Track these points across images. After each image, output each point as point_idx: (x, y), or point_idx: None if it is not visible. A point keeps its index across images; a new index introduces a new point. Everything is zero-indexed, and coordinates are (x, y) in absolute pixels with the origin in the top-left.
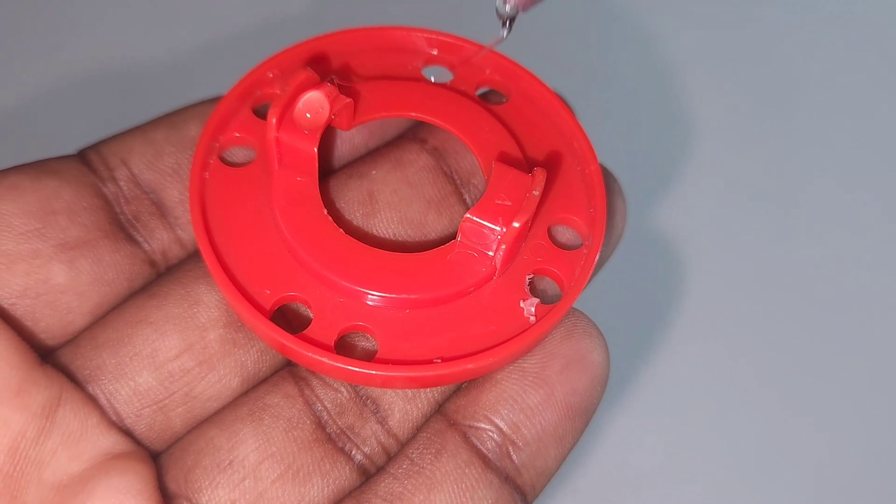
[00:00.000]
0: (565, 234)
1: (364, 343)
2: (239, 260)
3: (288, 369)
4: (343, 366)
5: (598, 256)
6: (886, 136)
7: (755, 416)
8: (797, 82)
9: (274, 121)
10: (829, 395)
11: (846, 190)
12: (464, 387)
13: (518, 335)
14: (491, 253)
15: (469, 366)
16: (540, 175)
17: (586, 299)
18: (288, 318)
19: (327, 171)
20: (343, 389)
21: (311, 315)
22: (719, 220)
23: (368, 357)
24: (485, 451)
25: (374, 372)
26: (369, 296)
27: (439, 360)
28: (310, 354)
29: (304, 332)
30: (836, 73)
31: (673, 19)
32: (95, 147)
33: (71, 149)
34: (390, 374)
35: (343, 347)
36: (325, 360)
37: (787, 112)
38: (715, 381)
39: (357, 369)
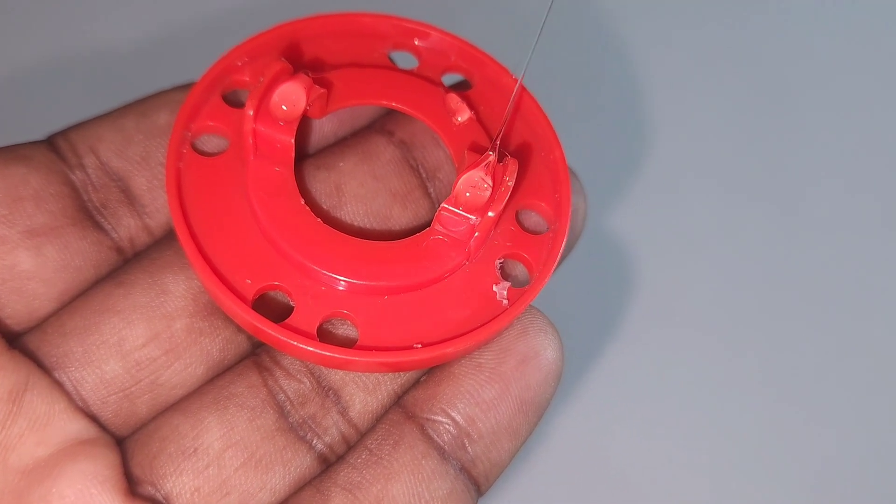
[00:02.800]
0: (532, 218)
1: (344, 330)
2: (218, 250)
3: (252, 359)
4: (328, 353)
5: (564, 240)
6: (848, 125)
7: (708, 413)
8: (764, 80)
9: (251, 112)
10: (788, 388)
11: (812, 185)
12: (422, 380)
13: (494, 319)
14: (465, 240)
15: (449, 350)
16: (512, 165)
17: (542, 297)
18: (269, 307)
19: (297, 158)
20: (305, 380)
21: (292, 303)
22: (676, 220)
23: (349, 343)
24: (441, 442)
25: (358, 358)
26: (349, 283)
27: (419, 346)
28: (294, 343)
29: (287, 320)
30: (808, 67)
31: (641, 16)
32: (64, 133)
33: (40, 134)
34: (374, 359)
35: (324, 335)
36: (309, 348)
37: (751, 112)
38: (669, 379)
39: (342, 356)
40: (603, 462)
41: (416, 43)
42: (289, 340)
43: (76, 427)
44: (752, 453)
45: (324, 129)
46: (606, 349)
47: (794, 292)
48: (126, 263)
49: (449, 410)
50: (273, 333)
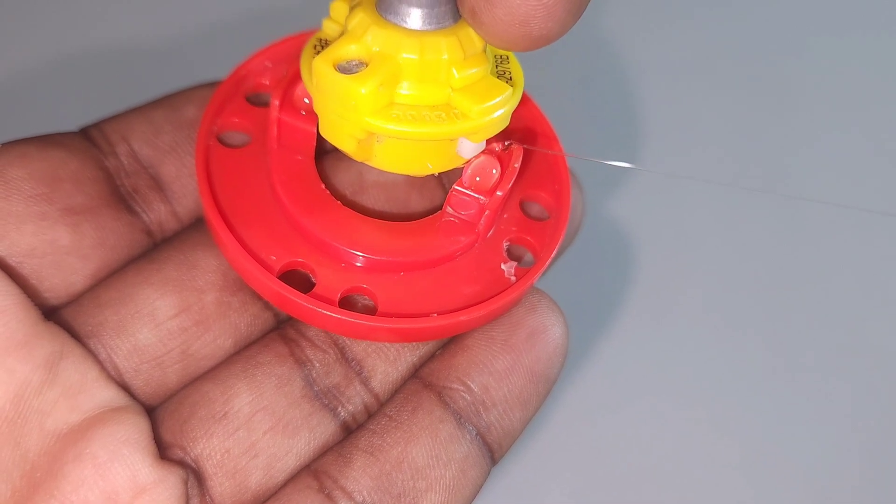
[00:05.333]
0: (534, 208)
1: (364, 304)
2: (244, 230)
3: (278, 332)
4: (350, 319)
5: (567, 222)
6: (835, 113)
7: (699, 403)
8: (767, 69)
9: (277, 102)
10: (782, 373)
11: (802, 174)
12: (437, 353)
13: (502, 292)
14: (475, 221)
15: (463, 318)
16: (518, 151)
17: (548, 286)
18: (292, 285)
19: (317, 154)
20: (330, 351)
21: (314, 280)
22: (677, 211)
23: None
24: (457, 409)
25: (378, 324)
26: (367, 259)
27: (435, 315)
28: (319, 310)
29: (309, 293)
30: (814, 54)
31: (636, 7)
32: (97, 125)
33: (71, 128)
34: (393, 325)
35: (345, 306)
36: (333, 314)
37: (742, 102)
38: (669, 369)
39: (363, 322)
40: (598, 452)
41: None
42: (314, 307)
43: (107, 395)
44: (754, 442)
45: None
46: (606, 341)
47: (798, 281)
48: (156, 245)
49: (464, 379)
50: (299, 301)
